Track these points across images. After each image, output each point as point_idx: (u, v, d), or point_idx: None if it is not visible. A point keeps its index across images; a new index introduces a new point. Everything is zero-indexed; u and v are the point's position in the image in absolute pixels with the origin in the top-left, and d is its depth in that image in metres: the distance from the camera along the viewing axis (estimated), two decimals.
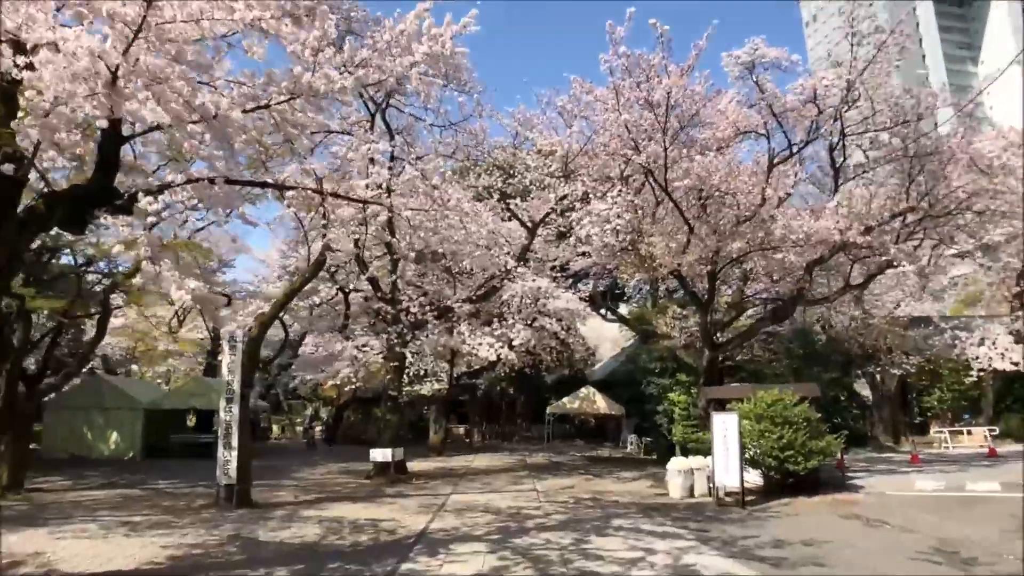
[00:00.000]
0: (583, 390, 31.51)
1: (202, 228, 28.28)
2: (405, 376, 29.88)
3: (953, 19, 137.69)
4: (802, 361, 29.48)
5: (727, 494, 16.26)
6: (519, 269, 21.26)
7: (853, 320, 31.03)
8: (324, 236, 14.76)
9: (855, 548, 10.86)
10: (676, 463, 17.67)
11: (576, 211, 29.18)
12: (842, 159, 18.92)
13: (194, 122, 9.13)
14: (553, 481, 21.27)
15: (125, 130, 9.31)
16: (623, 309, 44.86)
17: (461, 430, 41.88)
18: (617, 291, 37.49)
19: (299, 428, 50.41)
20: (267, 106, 9.79)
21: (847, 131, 18.34)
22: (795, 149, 19.29)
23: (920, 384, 33.24)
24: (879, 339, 30.40)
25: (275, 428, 45.67)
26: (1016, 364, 27.23)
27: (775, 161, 19.29)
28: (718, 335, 21.74)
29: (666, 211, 19.57)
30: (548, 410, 31.63)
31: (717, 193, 18.32)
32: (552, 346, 29.56)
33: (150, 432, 29.32)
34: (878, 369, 31.73)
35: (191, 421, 36.51)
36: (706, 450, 20.67)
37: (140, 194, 9.93)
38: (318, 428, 43.22)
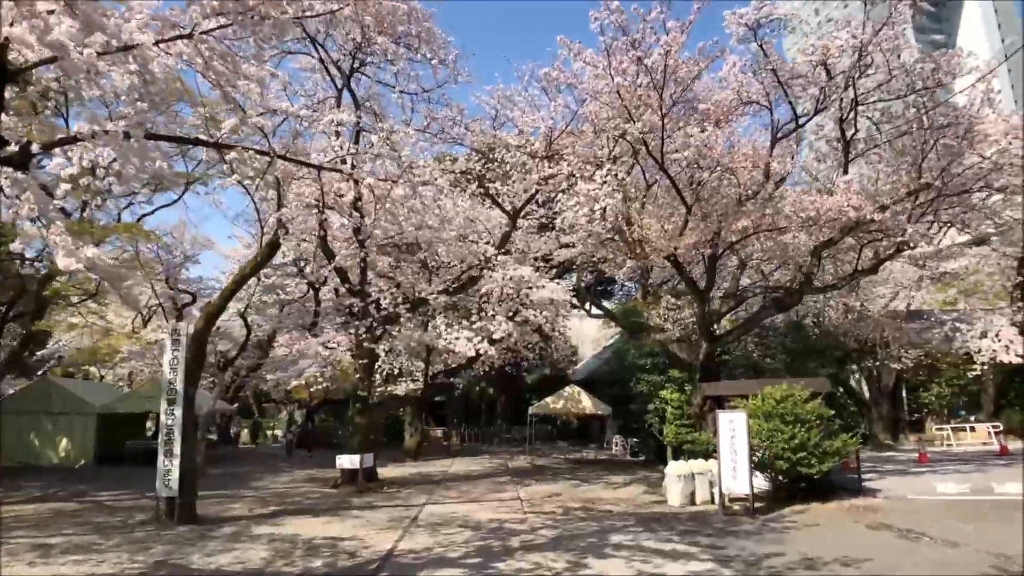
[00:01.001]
0: (567, 389, 29.70)
1: (150, 212, 26.39)
2: (378, 375, 28.04)
3: (929, 18, 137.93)
4: (797, 356, 27.96)
5: (732, 500, 14.56)
6: (499, 258, 19.48)
7: (849, 313, 29.66)
8: (279, 212, 12.84)
9: (904, 568, 9.16)
10: (676, 467, 15.95)
11: (559, 200, 27.69)
12: (853, 131, 17.27)
13: (100, 55, 7.36)
14: (537, 487, 19.48)
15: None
16: (608, 306, 43.40)
17: (439, 433, 39.87)
18: (600, 287, 35.79)
19: (273, 433, 48.24)
20: (190, 35, 7.98)
21: (859, 99, 16.67)
22: (801, 121, 17.63)
23: (917, 379, 31.85)
24: (876, 332, 28.96)
25: (244, 433, 43.35)
26: (1021, 356, 25.84)
27: (778, 135, 17.65)
28: (715, 327, 20.06)
29: (660, 190, 17.87)
30: (530, 411, 29.79)
31: (718, 168, 16.61)
32: (534, 343, 27.82)
33: (104, 438, 27.15)
34: (876, 364, 30.27)
35: (150, 427, 34.39)
36: (702, 452, 19.07)
37: (35, 146, 8.01)
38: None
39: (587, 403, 28.34)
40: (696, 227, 16.86)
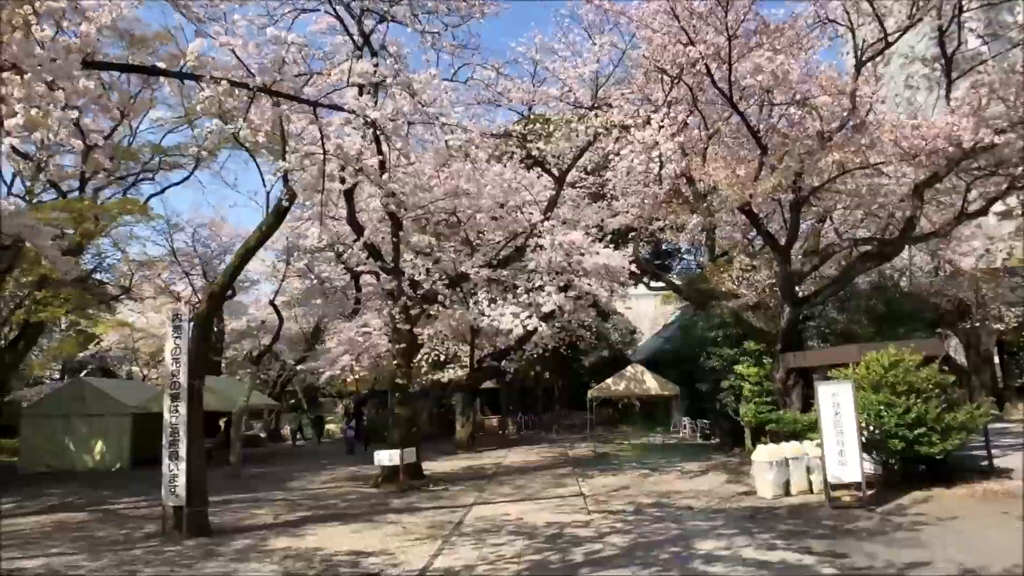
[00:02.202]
0: (629, 369, 27.28)
1: (159, 192, 24.91)
2: (424, 362, 26.08)
3: None
4: (884, 321, 25.03)
5: (835, 488, 12.06)
6: (546, 223, 17.26)
7: (939, 270, 26.66)
8: (282, 165, 10.78)
9: None
10: (765, 452, 13.51)
11: (611, 162, 25.27)
12: (956, 45, 14.48)
13: None
14: (602, 480, 17.26)
15: None
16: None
17: (494, 421, 37.95)
18: (658, 261, 33.20)
19: (332, 427, 46.42)
20: None
21: (962, 6, 13.90)
22: (891, 39, 14.90)
23: (1021, 341, 28.53)
24: (970, 291, 25.86)
25: (286, 429, 41.93)
26: None
27: (863, 58, 14.97)
28: (798, 288, 17.47)
29: (727, 132, 15.38)
30: (590, 394, 27.45)
31: (796, 98, 14.04)
32: (589, 322, 25.51)
33: (140, 439, 25.75)
34: (974, 326, 27.08)
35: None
36: (788, 433, 16.63)
37: None
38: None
39: (651, 383, 25.92)
40: (774, 170, 14.31)
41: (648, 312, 48.54)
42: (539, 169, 20.23)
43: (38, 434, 25.48)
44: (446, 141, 11.77)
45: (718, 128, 16.24)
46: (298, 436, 38.71)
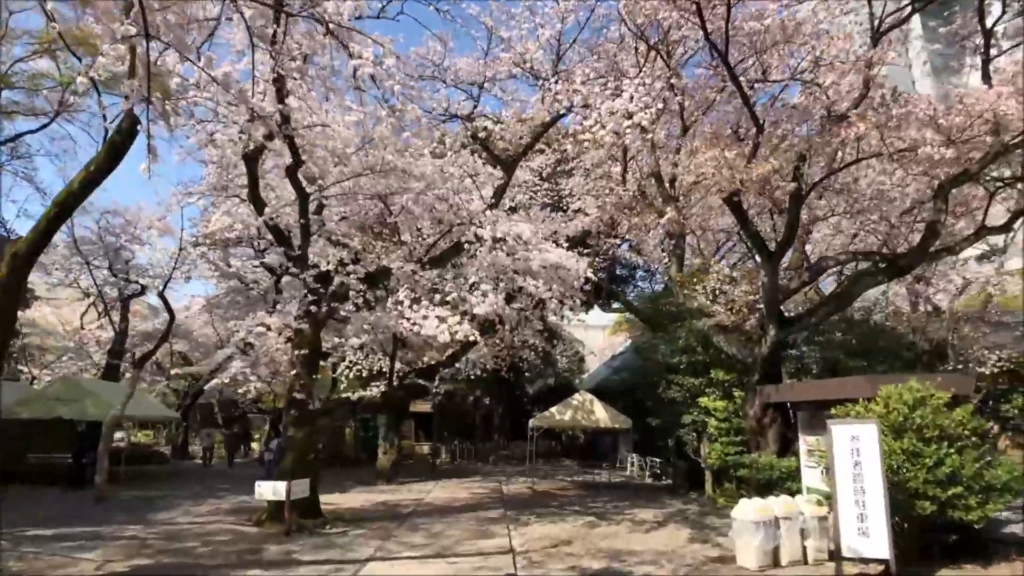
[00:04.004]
0: (577, 397, 24.11)
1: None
2: (344, 378, 22.59)
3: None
4: (859, 357, 22.45)
5: (845, 561, 9.05)
6: (488, 212, 14.20)
7: (917, 306, 24.33)
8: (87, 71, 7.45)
9: None
10: (750, 509, 10.43)
11: (570, 175, 22.50)
12: (1000, 15, 11.93)
13: None
14: (539, 529, 14.04)
15: None
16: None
17: (425, 448, 34.44)
18: (611, 285, 30.22)
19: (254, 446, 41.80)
20: None
21: None
22: (915, 6, 12.29)
23: (997, 389, 26.28)
24: (948, 332, 23.57)
25: (193, 447, 37.72)
26: None
27: (882, 28, 12.31)
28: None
29: (719, 99, 12.55)
30: (531, 423, 24.23)
31: (803, 65, 11.27)
32: (532, 342, 22.34)
33: (7, 450, 21.66)
34: (950, 369, 24.70)
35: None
36: (763, 481, 13.82)
37: None
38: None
39: (601, 415, 22.82)
40: (772, 151, 11.51)
41: (596, 342, 46.06)
42: (485, 154, 17.21)
43: None
44: (354, 70, 8.56)
45: (711, 101, 13.38)
46: (211, 455, 34.38)
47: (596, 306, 30.97)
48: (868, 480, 8.57)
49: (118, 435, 42.02)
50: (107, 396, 22.20)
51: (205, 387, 34.87)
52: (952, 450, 9.39)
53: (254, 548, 11.69)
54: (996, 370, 23.93)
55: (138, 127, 8.66)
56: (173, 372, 31.90)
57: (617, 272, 30.62)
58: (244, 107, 10.60)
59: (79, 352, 33.01)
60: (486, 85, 17.38)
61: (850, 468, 8.70)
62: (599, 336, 47.07)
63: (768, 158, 11.34)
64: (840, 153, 11.50)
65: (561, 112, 15.48)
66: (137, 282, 26.13)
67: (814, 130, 11.48)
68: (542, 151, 24.76)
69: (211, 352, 30.67)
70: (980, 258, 23.05)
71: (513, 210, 20.01)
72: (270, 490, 13.23)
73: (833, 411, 10.87)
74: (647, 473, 26.58)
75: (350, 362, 21.71)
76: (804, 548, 10.40)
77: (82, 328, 32.83)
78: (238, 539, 12.60)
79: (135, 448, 34.31)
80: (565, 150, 23.47)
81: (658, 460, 26.09)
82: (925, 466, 9.26)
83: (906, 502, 9.34)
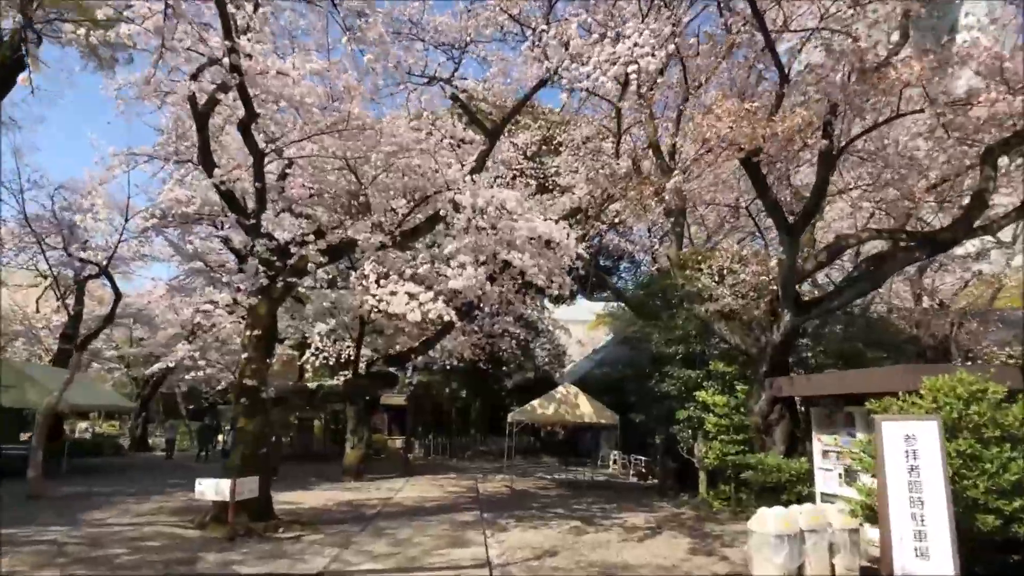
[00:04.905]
0: (561, 390, 22.46)
1: None
2: (309, 365, 20.83)
3: None
4: (862, 353, 21.05)
5: None
6: (468, 178, 12.51)
7: (920, 299, 23.06)
8: None
9: None
10: (772, 519, 8.81)
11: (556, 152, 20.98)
12: None
13: None
14: (520, 535, 12.42)
15: None
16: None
17: (398, 443, 32.69)
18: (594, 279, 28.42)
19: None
20: None
21: None
22: None
23: None
24: (948, 328, 22.38)
25: (154, 439, 35.86)
26: None
27: None
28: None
29: (736, 42, 10.96)
30: (510, 417, 22.57)
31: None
32: (512, 331, 20.65)
33: None
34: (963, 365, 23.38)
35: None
36: (771, 484, 12.36)
37: None
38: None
39: (586, 408, 21.21)
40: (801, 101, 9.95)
41: (576, 338, 44.56)
42: (467, 118, 15.50)
43: None
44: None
45: (731, 44, 11.76)
46: (173, 448, 32.23)
47: (580, 296, 29.49)
48: (928, 489, 7.02)
49: (82, 425, 40.20)
50: (50, 382, 20.23)
51: (166, 376, 32.85)
52: (1016, 453, 7.90)
53: (188, 557, 9.95)
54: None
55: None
56: (112, 354, 29.68)
57: (601, 263, 29.04)
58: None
59: (31, 337, 30.96)
60: (469, 47, 15.73)
61: (904, 474, 7.14)
62: (579, 331, 45.65)
63: (795, 108, 9.77)
64: (876, 107, 9.95)
65: (553, 69, 13.82)
66: (91, 262, 23.97)
67: (847, 80, 9.88)
68: (527, 126, 23.14)
69: (173, 340, 28.72)
70: (979, 256, 21.95)
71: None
72: (212, 489, 11.51)
73: (868, 406, 9.33)
74: (631, 472, 25.13)
75: (316, 349, 19.97)
76: (832, 566, 8.87)
77: (37, 311, 30.80)
78: (173, 545, 10.85)
79: (87, 440, 32.41)
80: (552, 125, 21.95)
81: (643, 459, 24.63)
82: (986, 472, 7.75)
83: (963, 515, 7.80)
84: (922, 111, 9.84)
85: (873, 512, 8.26)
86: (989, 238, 18.27)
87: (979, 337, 22.71)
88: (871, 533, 8.97)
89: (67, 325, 26.76)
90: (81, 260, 24.28)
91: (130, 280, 31.17)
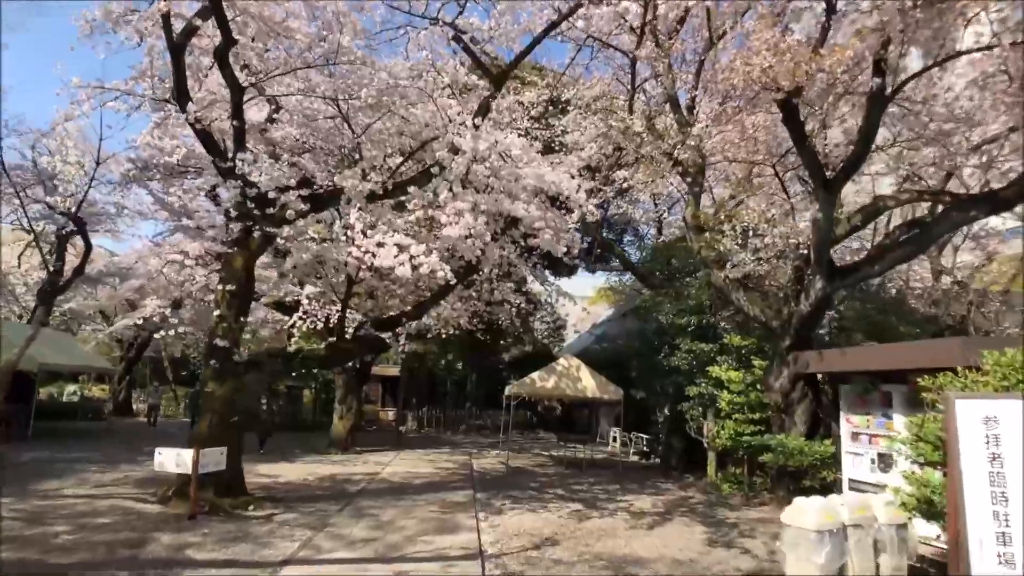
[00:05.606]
0: (562, 362, 21.19)
1: None
2: (296, 330, 19.53)
3: None
4: (882, 330, 19.84)
5: None
6: (471, 121, 11.16)
7: (940, 276, 21.87)
8: None
9: None
10: (812, 511, 7.57)
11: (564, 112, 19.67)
12: None
13: None
14: (516, 519, 11.26)
15: None
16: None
17: (390, 414, 31.59)
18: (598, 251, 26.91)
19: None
20: None
21: None
22: None
23: None
24: (967, 307, 21.23)
25: (138, 404, 34.75)
26: None
27: None
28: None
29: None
30: (508, 391, 21.34)
31: None
32: (514, 300, 19.36)
33: None
34: None
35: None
36: (792, 468, 11.22)
37: None
38: None
39: (589, 382, 19.98)
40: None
41: (575, 314, 43.33)
42: (470, 61, 14.09)
43: None
44: None
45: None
46: (157, 413, 31.07)
47: (581, 269, 28.23)
48: (1013, 483, 5.79)
49: (70, 388, 38.96)
50: (19, 340, 18.99)
51: (150, 338, 31.61)
52: None
53: (136, 539, 8.73)
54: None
55: None
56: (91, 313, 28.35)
57: (604, 236, 27.69)
58: None
59: (7, 295, 29.68)
60: None
61: (984, 463, 5.89)
62: (577, 308, 44.41)
63: (850, 41, 8.44)
64: (939, 40, 8.60)
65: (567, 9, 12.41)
66: (64, 213, 22.51)
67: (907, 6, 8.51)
68: (534, 84, 21.69)
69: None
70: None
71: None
72: (173, 460, 10.32)
73: (921, 382, 8.10)
74: (632, 450, 24.04)
75: (304, 312, 18.70)
76: (877, 566, 7.68)
77: (19, 267, 29.47)
78: (124, 523, 9.65)
79: (63, 402, 31.23)
80: (560, 85, 20.47)
81: (645, 437, 23.52)
82: None
83: None
84: (990, 48, 8.52)
85: (930, 506, 7.08)
86: (1010, 215, 17.05)
87: (1000, 318, 21.61)
88: (923, 529, 7.81)
89: (45, 283, 25.42)
90: (60, 213, 22.85)
91: (120, 239, 29.90)
